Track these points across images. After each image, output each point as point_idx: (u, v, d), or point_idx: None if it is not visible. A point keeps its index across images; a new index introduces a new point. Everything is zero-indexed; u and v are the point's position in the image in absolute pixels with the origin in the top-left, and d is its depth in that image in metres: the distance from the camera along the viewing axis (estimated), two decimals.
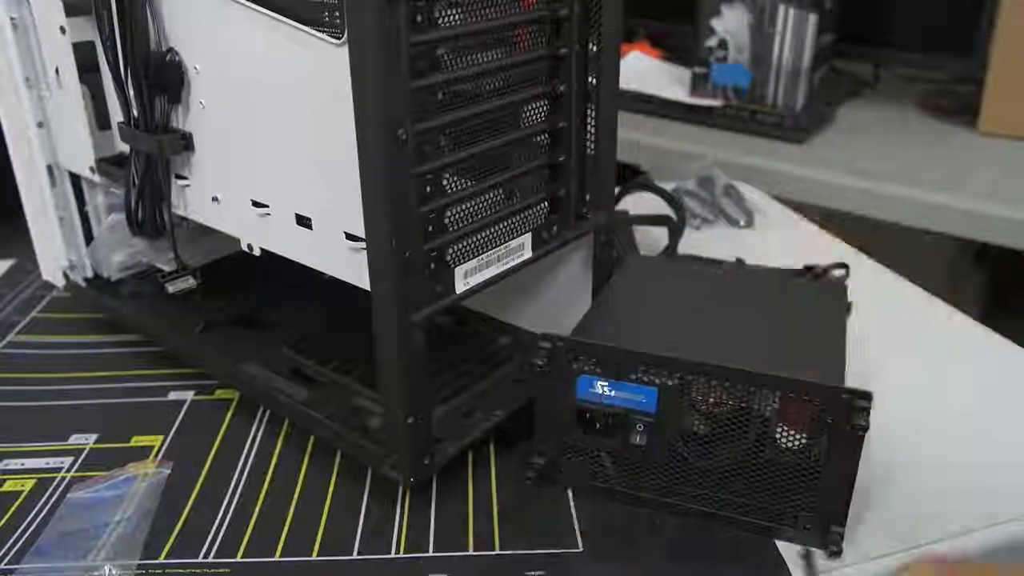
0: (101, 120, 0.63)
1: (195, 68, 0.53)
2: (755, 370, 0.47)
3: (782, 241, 0.91)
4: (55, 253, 0.72)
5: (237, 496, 0.55)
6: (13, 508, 0.54)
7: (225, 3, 0.48)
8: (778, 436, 0.48)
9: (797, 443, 0.47)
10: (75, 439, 0.61)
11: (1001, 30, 1.18)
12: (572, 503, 0.54)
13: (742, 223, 0.95)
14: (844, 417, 0.46)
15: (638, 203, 0.89)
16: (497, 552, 0.50)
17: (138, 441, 0.60)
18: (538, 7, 0.50)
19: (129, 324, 0.71)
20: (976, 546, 0.50)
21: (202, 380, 0.67)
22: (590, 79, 0.54)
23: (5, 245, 0.88)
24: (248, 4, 0.47)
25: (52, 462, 0.58)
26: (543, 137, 0.54)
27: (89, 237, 0.72)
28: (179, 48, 0.53)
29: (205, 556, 0.50)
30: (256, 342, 0.65)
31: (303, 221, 0.51)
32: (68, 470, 0.57)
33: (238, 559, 0.50)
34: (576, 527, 0.52)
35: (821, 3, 1.18)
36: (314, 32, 0.44)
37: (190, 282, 0.67)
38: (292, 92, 0.48)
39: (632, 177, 0.90)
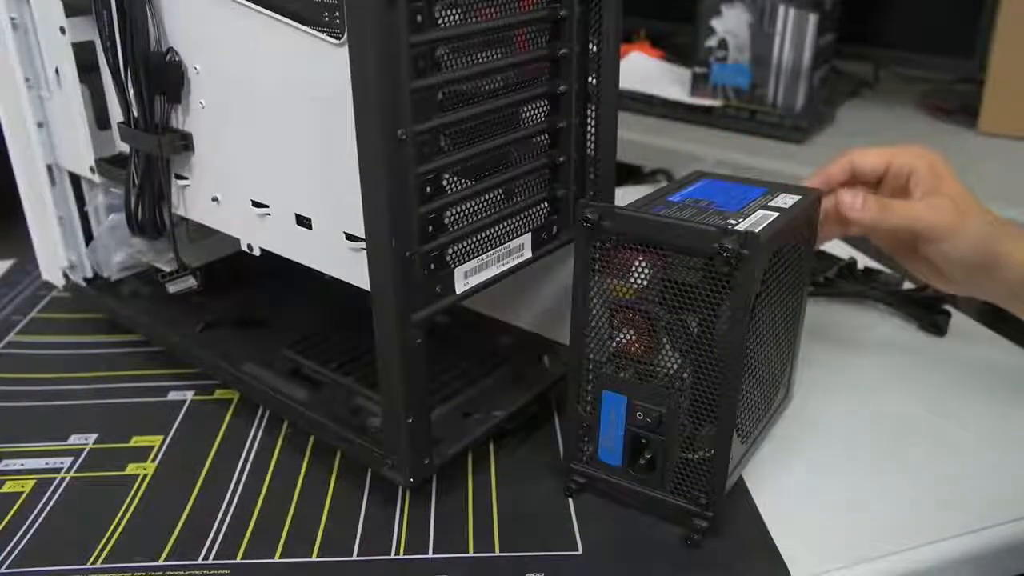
0: (101, 120, 0.63)
1: (195, 68, 0.53)
2: None
3: None
4: (55, 253, 0.72)
5: (237, 497, 0.55)
6: (13, 509, 0.54)
7: (225, 3, 0.48)
8: None
9: None
10: (75, 439, 0.61)
11: (1001, 30, 1.18)
12: (572, 505, 0.54)
13: None
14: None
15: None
16: (497, 553, 0.50)
17: (138, 441, 0.60)
18: (538, 7, 0.50)
19: (129, 324, 0.71)
20: (976, 546, 0.50)
21: (202, 380, 0.67)
22: (590, 79, 0.54)
23: (5, 245, 0.88)
24: (248, 4, 0.47)
25: (52, 462, 0.58)
26: (543, 137, 0.53)
27: (89, 237, 0.72)
28: (179, 48, 0.53)
29: (205, 557, 0.50)
30: (256, 342, 0.65)
31: (303, 221, 0.51)
32: (68, 470, 0.57)
33: (238, 560, 0.50)
34: (575, 529, 0.52)
35: (821, 3, 1.18)
36: (314, 32, 0.44)
37: (190, 282, 0.67)
38: (292, 92, 0.48)
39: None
